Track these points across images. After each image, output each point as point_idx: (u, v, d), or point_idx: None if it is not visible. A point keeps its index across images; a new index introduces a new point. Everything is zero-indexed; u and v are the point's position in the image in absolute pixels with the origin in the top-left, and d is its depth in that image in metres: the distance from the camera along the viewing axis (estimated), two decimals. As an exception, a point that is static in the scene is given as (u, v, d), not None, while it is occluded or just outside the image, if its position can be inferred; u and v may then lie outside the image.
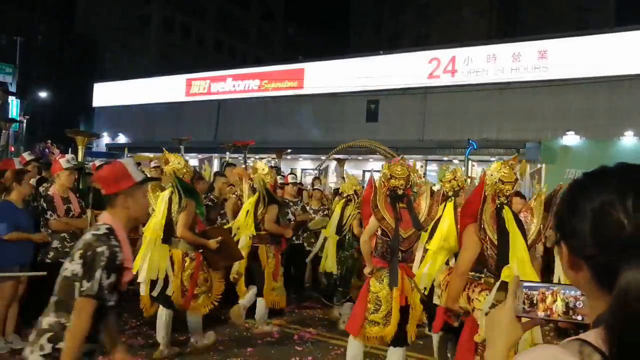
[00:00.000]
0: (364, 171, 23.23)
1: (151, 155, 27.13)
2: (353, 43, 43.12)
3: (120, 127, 29.75)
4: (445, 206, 5.40)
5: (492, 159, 18.76)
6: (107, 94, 30.83)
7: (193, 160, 24.09)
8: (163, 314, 5.19)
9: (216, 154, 22.89)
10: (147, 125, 28.06)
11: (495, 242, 3.64)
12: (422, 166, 17.74)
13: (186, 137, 12.42)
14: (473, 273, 3.77)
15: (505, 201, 3.83)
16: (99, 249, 2.38)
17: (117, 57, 41.66)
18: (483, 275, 3.72)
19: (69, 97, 38.09)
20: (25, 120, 24.77)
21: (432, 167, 21.59)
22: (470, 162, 16.53)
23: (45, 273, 4.76)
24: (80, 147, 6.45)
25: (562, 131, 17.90)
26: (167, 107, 27.65)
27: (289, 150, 17.02)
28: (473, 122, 19.31)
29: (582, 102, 17.60)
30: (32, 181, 5.81)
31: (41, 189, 5.82)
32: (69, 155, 6.26)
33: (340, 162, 11.61)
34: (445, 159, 19.69)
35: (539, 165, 16.82)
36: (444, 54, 20.21)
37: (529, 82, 18.40)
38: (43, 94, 34.01)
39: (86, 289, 2.35)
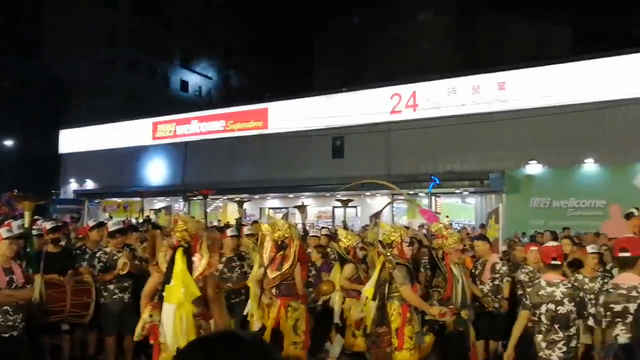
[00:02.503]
0: (260, 209, 23.32)
1: (119, 200, 27.01)
2: (317, 77, 43.58)
3: (87, 173, 29.40)
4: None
5: (457, 190, 18.99)
6: (73, 140, 30.57)
7: (162, 204, 23.88)
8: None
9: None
10: (115, 170, 27.77)
11: None
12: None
13: (143, 190, 12.22)
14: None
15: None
16: None
17: (83, 101, 41.38)
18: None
19: (34, 143, 37.54)
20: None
21: (400, 200, 21.72)
22: (433, 197, 16.64)
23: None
24: (27, 213, 6.28)
25: (524, 160, 18.19)
26: (133, 151, 27.46)
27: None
28: (437, 155, 19.52)
29: (542, 131, 17.91)
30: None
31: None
32: (16, 223, 6.10)
33: (300, 209, 11.54)
34: (411, 192, 19.81)
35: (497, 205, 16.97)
36: (405, 90, 20.50)
37: (490, 114, 18.70)
38: (8, 142, 33.56)
39: None
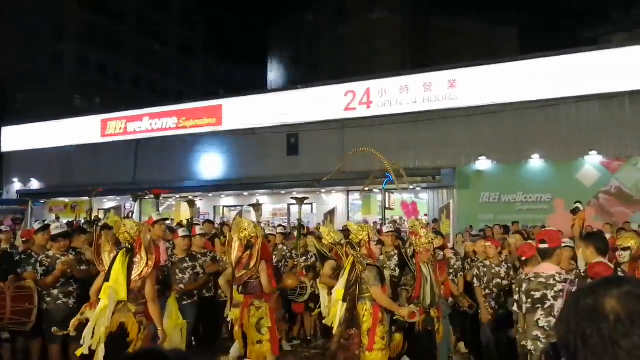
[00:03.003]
0: (214, 207, 23.25)
1: (67, 200, 26.21)
2: (271, 73, 43.43)
3: (33, 172, 28.37)
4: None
5: (411, 186, 19.23)
6: (17, 137, 29.36)
7: (112, 204, 23.32)
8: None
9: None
10: (62, 169, 26.93)
11: None
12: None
13: (92, 189, 11.88)
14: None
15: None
16: None
17: (28, 97, 40.02)
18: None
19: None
20: None
21: (355, 196, 21.87)
22: (387, 193, 16.81)
23: None
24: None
25: (474, 157, 18.58)
26: (82, 149, 26.67)
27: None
28: (390, 152, 19.68)
29: (491, 128, 18.34)
30: None
31: None
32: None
33: (255, 207, 11.42)
34: (365, 189, 19.96)
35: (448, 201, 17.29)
36: (358, 87, 20.61)
37: (441, 111, 19.01)
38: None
39: None
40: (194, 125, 24.15)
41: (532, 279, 4.34)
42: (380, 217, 17.17)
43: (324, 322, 6.28)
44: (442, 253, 7.37)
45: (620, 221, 14.36)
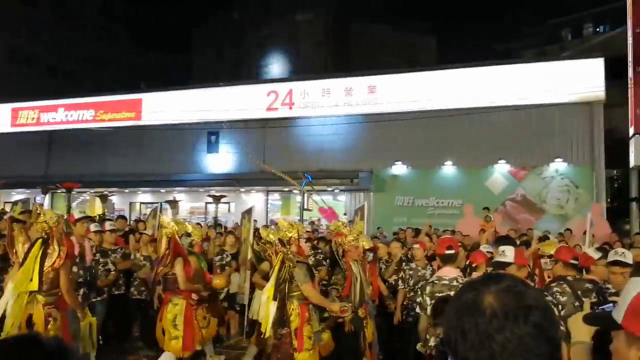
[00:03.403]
0: (130, 203, 22.97)
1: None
2: (195, 71, 42.80)
3: None
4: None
5: (329, 188, 19.63)
6: None
7: (21, 197, 22.23)
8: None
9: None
10: (-34, 159, 25.35)
11: None
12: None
13: None
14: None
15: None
16: None
17: None
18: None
19: None
20: None
21: (275, 196, 22.00)
22: (306, 194, 17.06)
23: None
24: None
25: (391, 162, 19.18)
26: (-11, 138, 25.23)
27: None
28: (310, 154, 20.01)
29: (408, 134, 18.94)
30: None
31: None
32: None
33: (171, 204, 11.36)
34: (285, 189, 20.16)
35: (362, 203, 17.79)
36: (281, 87, 20.77)
37: (361, 115, 19.50)
38: None
39: None
40: (112, 118, 23.46)
41: (436, 281, 4.66)
42: (299, 217, 17.40)
43: (257, 320, 6.14)
44: (371, 255, 7.57)
45: (524, 228, 15.11)
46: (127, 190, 23.00)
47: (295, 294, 5.56)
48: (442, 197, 18.57)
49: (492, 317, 1.13)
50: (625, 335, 1.44)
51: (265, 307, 5.54)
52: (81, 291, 6.36)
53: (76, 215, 6.80)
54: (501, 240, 5.76)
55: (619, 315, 1.48)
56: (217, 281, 6.89)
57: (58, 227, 5.04)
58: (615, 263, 4.30)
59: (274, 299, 5.43)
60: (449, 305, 1.25)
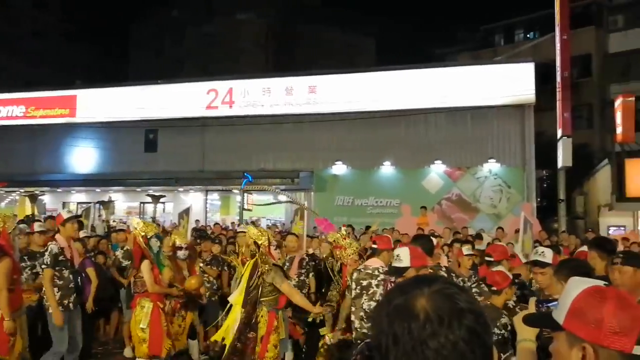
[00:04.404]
0: (64, 203, 22.39)
1: None
2: (132, 68, 41.76)
3: None
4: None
5: (269, 188, 19.57)
6: None
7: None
8: None
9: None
10: None
11: None
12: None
13: None
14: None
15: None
16: None
17: None
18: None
19: None
20: None
21: (214, 196, 21.78)
22: (246, 193, 16.99)
23: None
24: None
25: (331, 161, 19.34)
26: None
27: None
28: (251, 153, 19.91)
29: (348, 134, 19.14)
30: None
31: None
32: None
33: (105, 204, 11.08)
34: (225, 189, 19.99)
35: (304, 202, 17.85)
36: (221, 86, 20.55)
37: (301, 115, 19.55)
38: None
39: None
40: (44, 115, 22.58)
41: (362, 270, 5.04)
42: (239, 217, 17.31)
43: (211, 339, 6.08)
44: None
45: (459, 226, 15.54)
46: (60, 190, 22.20)
47: (265, 299, 5.44)
48: (381, 197, 18.87)
49: (425, 321, 1.08)
50: (567, 336, 1.42)
51: (231, 314, 5.45)
52: (72, 298, 6.18)
53: (64, 215, 6.47)
54: (416, 239, 5.63)
55: (560, 316, 1.45)
56: (193, 281, 6.74)
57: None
58: (535, 263, 4.35)
59: (243, 306, 5.34)
60: (378, 308, 1.19)
